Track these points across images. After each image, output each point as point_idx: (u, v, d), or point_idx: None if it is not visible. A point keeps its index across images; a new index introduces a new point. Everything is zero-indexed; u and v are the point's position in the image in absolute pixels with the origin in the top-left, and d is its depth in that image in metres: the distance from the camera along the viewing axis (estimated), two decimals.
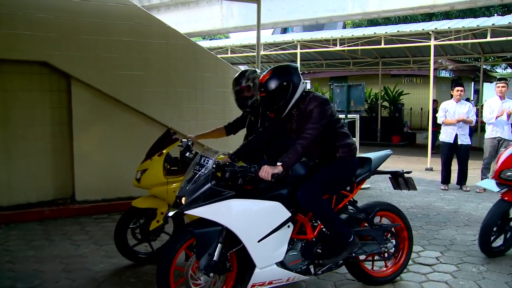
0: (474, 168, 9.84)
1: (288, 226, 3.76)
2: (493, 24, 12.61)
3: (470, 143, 9.20)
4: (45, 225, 6.36)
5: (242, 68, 18.99)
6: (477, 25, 12.87)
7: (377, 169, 4.37)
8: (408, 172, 4.57)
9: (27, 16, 6.53)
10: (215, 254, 3.50)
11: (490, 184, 5.32)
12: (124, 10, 7.34)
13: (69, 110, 7.11)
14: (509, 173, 5.07)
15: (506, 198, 5.15)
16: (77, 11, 6.89)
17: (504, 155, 5.33)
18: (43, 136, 7.01)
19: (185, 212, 3.53)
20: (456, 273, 4.68)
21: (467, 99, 11.58)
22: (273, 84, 3.75)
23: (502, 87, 8.99)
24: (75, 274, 4.61)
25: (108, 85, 7.17)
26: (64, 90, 7.11)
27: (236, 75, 4.79)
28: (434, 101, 14.72)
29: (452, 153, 9.03)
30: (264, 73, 3.88)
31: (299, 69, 3.99)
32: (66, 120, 7.13)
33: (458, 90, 9.02)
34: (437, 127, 11.60)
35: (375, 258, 4.41)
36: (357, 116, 10.25)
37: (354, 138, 4.33)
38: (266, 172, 3.48)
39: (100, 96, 7.17)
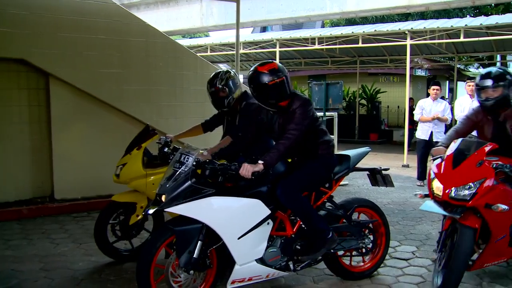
0: None
1: (268, 223, 3.77)
2: (465, 25, 12.84)
3: None
4: (24, 224, 6.26)
5: (222, 66, 18.98)
6: (451, 26, 13.08)
7: (356, 166, 4.41)
8: (386, 169, 4.61)
9: (3, 13, 6.40)
10: (195, 251, 3.49)
11: (435, 207, 3.94)
12: (103, 8, 7.26)
13: (47, 108, 7.02)
14: (466, 192, 3.72)
15: (468, 224, 3.76)
16: (55, 8, 6.79)
17: (445, 167, 3.92)
18: (21, 135, 6.91)
19: (165, 209, 3.52)
20: (431, 267, 4.72)
21: (442, 98, 11.73)
22: (263, 80, 3.77)
23: (473, 85, 9.13)
24: (54, 273, 4.55)
25: (87, 83, 7.09)
26: (43, 88, 7.01)
27: (210, 78, 4.83)
28: (410, 99, 14.90)
29: (427, 150, 9.11)
30: (258, 64, 3.89)
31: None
32: (45, 118, 7.04)
33: (434, 89, 9.13)
34: (413, 125, 11.73)
35: (353, 254, 4.45)
36: (335, 114, 10.29)
37: (332, 136, 4.36)
38: (246, 170, 3.49)
39: (79, 94, 7.09)
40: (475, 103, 8.89)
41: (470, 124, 4.53)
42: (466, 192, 3.73)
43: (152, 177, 4.53)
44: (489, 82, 4.22)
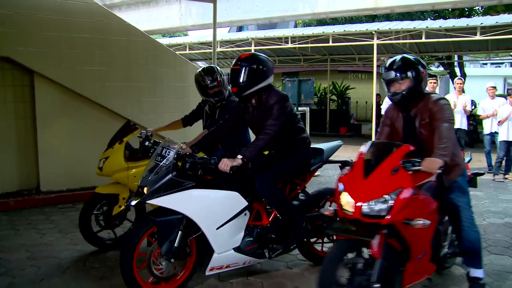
0: None
1: (245, 214, 3.80)
2: (427, 26, 13.10)
3: None
4: (11, 215, 6.17)
5: (200, 64, 18.88)
6: (414, 27, 13.33)
7: (329, 159, 4.44)
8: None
9: None
10: (176, 240, 3.51)
11: (344, 229, 3.10)
12: (85, 8, 7.15)
13: (32, 104, 6.91)
14: (381, 206, 2.94)
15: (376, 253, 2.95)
16: (39, 7, 6.67)
17: (355, 177, 3.14)
18: (7, 130, 6.79)
19: (147, 201, 3.53)
20: None
21: None
22: (249, 63, 3.78)
23: (433, 83, 9.33)
24: (41, 262, 4.51)
25: (71, 80, 6.99)
26: (28, 85, 6.90)
27: (204, 71, 4.73)
28: (377, 95, 15.08)
29: None
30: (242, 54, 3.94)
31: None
32: (30, 114, 6.93)
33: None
34: (379, 119, 11.88)
35: (324, 240, 4.50)
36: (307, 109, 10.38)
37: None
38: (225, 164, 3.50)
39: (63, 91, 6.99)
40: None
41: (388, 124, 3.79)
42: (382, 206, 2.93)
43: (133, 170, 4.51)
44: (393, 74, 3.48)
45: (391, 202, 2.93)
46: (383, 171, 3.05)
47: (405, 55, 3.64)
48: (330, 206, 4.56)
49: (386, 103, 9.22)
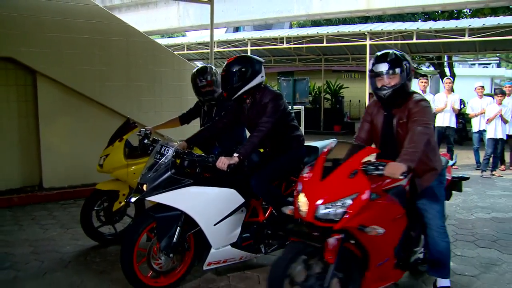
0: None
1: (242, 211, 3.80)
2: (417, 28, 13.16)
3: None
4: (14, 211, 6.18)
5: (198, 63, 18.85)
6: (405, 28, 13.38)
7: None
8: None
9: None
10: (175, 236, 3.52)
11: (295, 231, 2.98)
12: (86, 9, 7.14)
13: (35, 103, 6.90)
14: (335, 210, 2.76)
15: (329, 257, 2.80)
16: (41, 9, 6.67)
17: (312, 177, 2.93)
18: (10, 129, 6.79)
19: (147, 198, 3.53)
20: None
21: None
22: (234, 66, 3.78)
23: (424, 82, 9.40)
24: (44, 256, 4.53)
25: (72, 79, 6.98)
26: (30, 85, 6.88)
27: (197, 71, 4.75)
28: (370, 94, 15.08)
29: None
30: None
31: (263, 63, 4.01)
32: (33, 113, 6.92)
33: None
34: None
35: None
36: (302, 107, 10.42)
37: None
38: (223, 162, 3.49)
39: (65, 90, 6.98)
40: (427, 97, 9.20)
41: (368, 120, 3.52)
42: (336, 210, 2.75)
43: (133, 167, 4.52)
44: (386, 67, 3.20)
45: (345, 207, 2.74)
46: (341, 173, 2.86)
47: (394, 50, 3.38)
48: None
49: None
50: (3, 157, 6.74)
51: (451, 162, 4.12)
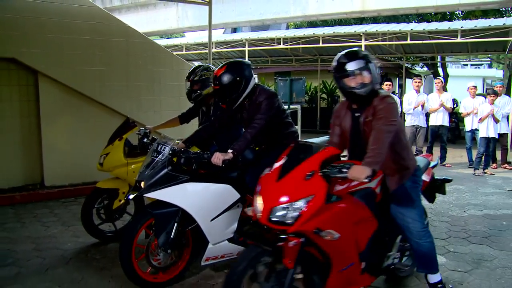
0: None
1: (238, 206, 3.80)
2: (411, 29, 13.16)
3: None
4: (17, 209, 6.16)
5: (196, 64, 18.83)
6: (399, 29, 13.38)
7: None
8: (344, 156, 4.65)
9: None
10: (172, 232, 3.51)
11: (251, 235, 2.81)
12: (87, 11, 7.12)
13: (37, 103, 6.88)
14: (290, 213, 2.59)
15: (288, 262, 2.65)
16: (42, 11, 6.64)
17: (269, 179, 2.79)
18: (12, 128, 6.77)
19: (144, 195, 3.53)
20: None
21: (393, 93, 11.97)
22: (227, 79, 3.70)
23: (418, 82, 9.42)
24: (46, 253, 4.52)
25: (73, 79, 6.96)
26: (32, 85, 6.86)
27: (190, 69, 4.77)
28: None
29: None
30: (218, 67, 3.81)
31: (251, 65, 3.97)
32: (34, 113, 6.90)
33: (387, 84, 9.20)
34: None
35: None
36: (298, 107, 10.41)
37: (296, 127, 4.37)
38: (217, 158, 3.49)
39: (66, 90, 6.96)
40: (420, 97, 9.23)
41: (338, 123, 3.30)
42: (290, 213, 2.58)
43: (132, 166, 4.50)
44: (359, 65, 2.99)
45: (299, 209, 2.57)
46: (297, 175, 2.68)
47: (358, 48, 3.20)
48: None
49: (407, 99, 9.24)
50: (5, 156, 6.72)
51: (432, 163, 3.94)
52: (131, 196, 3.64)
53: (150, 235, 3.61)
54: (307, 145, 3.61)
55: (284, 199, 2.60)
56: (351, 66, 3.01)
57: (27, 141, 6.91)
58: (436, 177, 3.97)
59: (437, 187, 3.97)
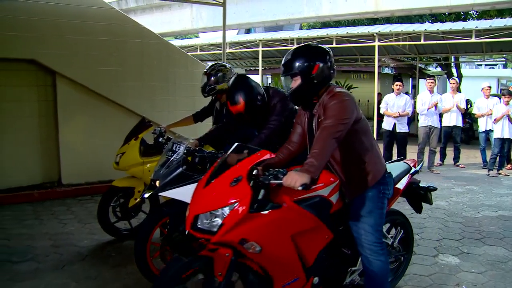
0: (412, 152, 10.10)
1: None
2: (425, 29, 13.01)
3: (407, 130, 9.24)
4: (35, 206, 6.25)
5: (210, 64, 18.89)
6: (413, 30, 13.24)
7: None
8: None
9: (15, 19, 6.38)
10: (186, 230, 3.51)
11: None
12: (103, 13, 7.19)
13: (54, 103, 6.98)
14: (215, 221, 2.38)
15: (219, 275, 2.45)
16: (60, 13, 6.73)
17: (198, 184, 2.65)
18: (31, 127, 6.87)
19: (159, 193, 3.54)
20: None
21: (406, 93, 11.86)
22: (247, 103, 3.54)
23: (431, 82, 9.33)
24: (63, 249, 4.59)
25: (89, 80, 7.04)
26: (50, 85, 6.95)
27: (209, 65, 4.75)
28: (379, 94, 15.01)
29: (392, 139, 9.17)
30: (232, 104, 3.58)
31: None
32: (52, 112, 6.99)
33: (397, 85, 9.17)
34: (381, 117, 11.88)
35: None
36: None
37: None
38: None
39: (82, 90, 7.04)
40: (433, 98, 9.14)
41: (299, 122, 2.98)
42: (212, 221, 2.39)
43: (148, 165, 4.51)
44: (286, 69, 2.76)
45: (222, 217, 2.36)
46: (223, 181, 2.47)
47: (300, 46, 2.89)
48: None
49: (385, 102, 9.17)
50: (25, 154, 6.83)
51: (413, 170, 3.62)
52: (146, 195, 3.66)
53: (165, 233, 3.63)
54: (247, 147, 3.00)
55: (207, 206, 2.40)
56: (282, 69, 2.81)
57: (45, 140, 7.00)
58: (421, 185, 3.70)
59: (421, 196, 3.69)
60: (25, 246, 4.68)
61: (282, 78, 2.81)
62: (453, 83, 10.03)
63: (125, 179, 4.74)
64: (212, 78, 4.59)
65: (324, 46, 2.86)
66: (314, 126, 2.79)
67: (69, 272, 4.04)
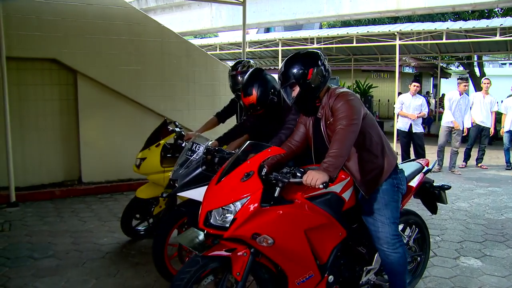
0: (433, 152, 9.97)
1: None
2: (447, 28, 12.77)
3: (423, 130, 9.11)
4: (56, 203, 6.36)
5: (230, 63, 18.90)
6: (435, 28, 13.02)
7: None
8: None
9: (39, 19, 6.52)
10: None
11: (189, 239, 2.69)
12: (124, 12, 7.27)
13: (75, 102, 7.08)
14: (224, 216, 2.42)
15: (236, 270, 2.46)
16: (82, 13, 6.84)
17: (211, 181, 2.67)
18: (53, 125, 6.99)
19: (178, 194, 3.52)
20: None
21: (427, 93, 11.68)
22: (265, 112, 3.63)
23: (464, 85, 9.06)
24: (83, 247, 4.65)
25: (110, 79, 7.13)
26: (71, 84, 7.06)
27: (235, 63, 4.70)
28: (399, 93, 14.80)
29: (408, 139, 9.03)
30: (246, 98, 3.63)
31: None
32: (74, 111, 7.10)
33: (414, 86, 9.00)
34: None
35: None
36: None
37: None
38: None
39: (103, 89, 7.14)
40: (462, 100, 8.96)
41: (303, 122, 3.03)
42: (225, 216, 2.42)
43: (169, 173, 4.44)
44: (283, 81, 2.82)
45: (234, 212, 2.39)
46: (235, 176, 2.49)
47: (291, 55, 2.89)
48: None
49: (400, 102, 9.04)
50: (47, 153, 6.95)
51: (426, 169, 3.59)
52: (164, 195, 3.68)
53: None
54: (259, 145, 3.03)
55: (219, 202, 2.43)
56: (280, 79, 2.86)
57: (66, 139, 7.11)
58: (434, 184, 3.67)
59: (434, 195, 3.64)
60: (47, 243, 4.76)
61: (282, 90, 2.88)
62: (487, 83, 9.73)
63: (148, 188, 4.59)
64: (240, 76, 4.48)
65: (315, 50, 2.95)
66: (322, 129, 2.83)
67: (89, 269, 4.10)
